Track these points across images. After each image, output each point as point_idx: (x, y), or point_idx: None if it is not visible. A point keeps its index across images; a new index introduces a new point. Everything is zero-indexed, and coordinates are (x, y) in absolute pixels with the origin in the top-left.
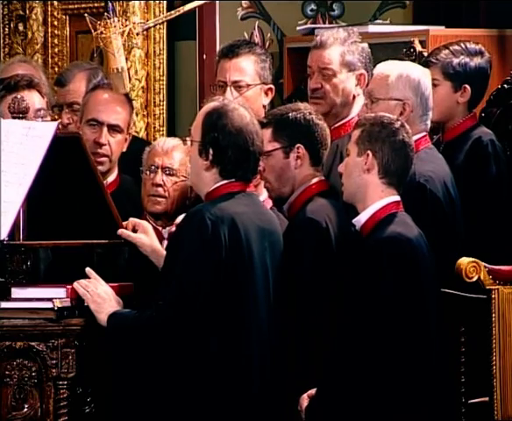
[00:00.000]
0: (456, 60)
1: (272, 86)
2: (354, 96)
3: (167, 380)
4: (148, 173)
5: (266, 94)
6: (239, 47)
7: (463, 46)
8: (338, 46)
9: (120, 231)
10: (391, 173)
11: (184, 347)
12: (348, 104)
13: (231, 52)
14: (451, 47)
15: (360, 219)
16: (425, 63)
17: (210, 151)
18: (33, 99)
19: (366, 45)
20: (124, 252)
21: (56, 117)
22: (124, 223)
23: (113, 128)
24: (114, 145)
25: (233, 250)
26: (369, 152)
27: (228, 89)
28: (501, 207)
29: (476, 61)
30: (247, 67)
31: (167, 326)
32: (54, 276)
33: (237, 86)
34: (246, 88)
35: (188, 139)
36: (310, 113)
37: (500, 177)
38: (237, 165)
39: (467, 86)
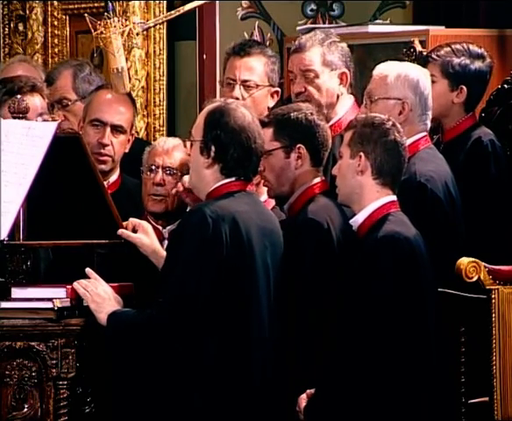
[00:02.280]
0: (456, 60)
1: (278, 89)
2: (338, 96)
3: (168, 379)
4: (149, 173)
5: (272, 96)
6: (251, 47)
7: (466, 47)
8: (318, 47)
9: (120, 231)
10: (385, 173)
11: (184, 346)
12: (333, 105)
13: (243, 50)
14: (453, 46)
15: (357, 219)
16: (426, 59)
17: (212, 148)
18: (36, 103)
19: (344, 44)
20: (124, 252)
21: (57, 117)
22: (124, 223)
23: (116, 128)
24: (117, 145)
25: (234, 248)
26: (362, 154)
27: (237, 86)
28: (502, 207)
29: (477, 65)
30: (257, 68)
31: (167, 325)
32: (54, 276)
33: (246, 85)
34: (255, 88)
35: (187, 140)
36: (312, 114)
37: (500, 177)
38: (238, 163)
39: (464, 87)
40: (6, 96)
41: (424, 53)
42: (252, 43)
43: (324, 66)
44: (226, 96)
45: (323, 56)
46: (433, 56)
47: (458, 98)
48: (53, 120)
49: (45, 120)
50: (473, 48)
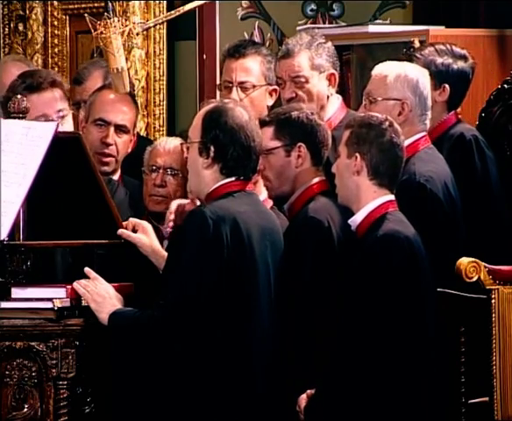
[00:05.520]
0: (439, 60)
1: (276, 87)
2: (328, 97)
3: (169, 379)
4: (150, 173)
5: (271, 95)
6: (246, 48)
7: (448, 47)
8: (305, 52)
9: (120, 231)
10: (381, 174)
11: (185, 347)
12: (324, 106)
13: (238, 52)
14: (436, 46)
15: (356, 219)
16: (410, 58)
17: (212, 148)
18: (56, 98)
19: (330, 44)
20: (125, 252)
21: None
22: (124, 223)
23: (120, 128)
24: (120, 145)
25: (235, 249)
26: (357, 154)
27: (234, 89)
28: (490, 203)
29: (459, 64)
30: (253, 68)
31: (168, 325)
32: (55, 276)
33: (243, 87)
34: (252, 89)
35: (184, 143)
36: (313, 113)
37: (485, 173)
38: (238, 162)
39: (446, 85)
40: (26, 92)
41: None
42: (248, 43)
43: (313, 70)
44: (224, 98)
45: (312, 60)
46: (417, 55)
47: (441, 97)
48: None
49: (63, 116)
50: (456, 49)
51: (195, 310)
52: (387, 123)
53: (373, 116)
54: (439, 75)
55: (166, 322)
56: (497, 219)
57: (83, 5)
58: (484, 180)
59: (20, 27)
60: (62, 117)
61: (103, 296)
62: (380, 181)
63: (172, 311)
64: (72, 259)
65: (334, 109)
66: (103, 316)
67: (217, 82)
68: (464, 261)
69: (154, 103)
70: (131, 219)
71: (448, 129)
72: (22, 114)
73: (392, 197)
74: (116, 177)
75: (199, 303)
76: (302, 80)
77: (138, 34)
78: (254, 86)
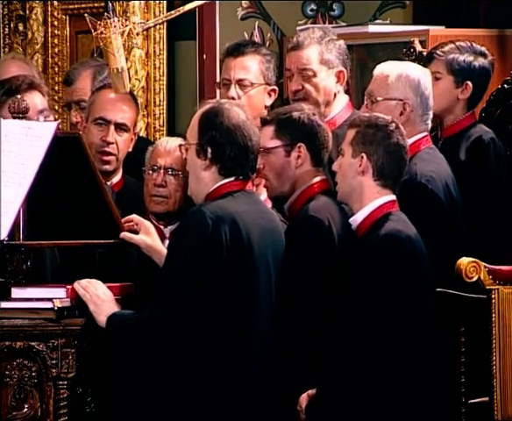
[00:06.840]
0: (462, 57)
1: (275, 87)
2: (335, 94)
3: (168, 379)
4: (151, 173)
5: (270, 95)
6: (245, 46)
7: (469, 44)
8: (316, 46)
9: (122, 234)
10: (386, 175)
11: (183, 346)
12: (330, 103)
13: (237, 50)
14: (457, 43)
15: (357, 219)
16: (430, 56)
17: (209, 149)
18: (35, 101)
19: (342, 42)
20: (133, 252)
21: (56, 117)
22: (126, 218)
23: (120, 127)
24: (121, 144)
25: (234, 249)
26: (363, 154)
27: (232, 86)
28: (501, 206)
29: (480, 61)
30: (252, 66)
31: (166, 325)
32: (56, 276)
33: (241, 84)
34: (250, 86)
35: (183, 144)
36: (314, 114)
37: (500, 175)
38: (236, 162)
39: (469, 83)
40: (5, 97)
41: (425, 53)
42: (247, 43)
43: (322, 64)
44: (223, 96)
45: (321, 55)
46: (438, 52)
47: (463, 94)
48: (55, 118)
49: (46, 117)
50: (476, 46)
51: (193, 309)
52: (393, 125)
53: (378, 117)
54: (462, 73)
55: (164, 321)
56: (499, 220)
57: (83, 5)
58: (495, 182)
59: (20, 27)
60: (45, 117)
61: (102, 298)
62: (384, 182)
63: (170, 311)
64: (71, 259)
65: (340, 107)
66: (102, 318)
67: (215, 84)
68: (464, 261)
69: (154, 103)
70: (133, 216)
71: (465, 129)
72: (22, 114)
73: (393, 197)
74: (117, 177)
75: (197, 302)
76: (310, 73)
77: (138, 34)
78: (252, 84)
